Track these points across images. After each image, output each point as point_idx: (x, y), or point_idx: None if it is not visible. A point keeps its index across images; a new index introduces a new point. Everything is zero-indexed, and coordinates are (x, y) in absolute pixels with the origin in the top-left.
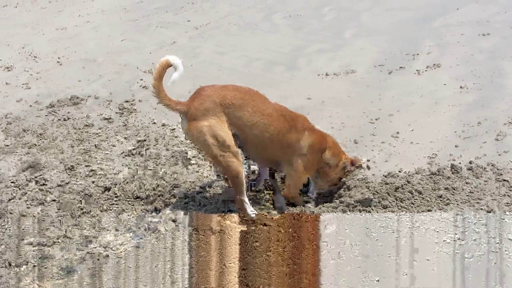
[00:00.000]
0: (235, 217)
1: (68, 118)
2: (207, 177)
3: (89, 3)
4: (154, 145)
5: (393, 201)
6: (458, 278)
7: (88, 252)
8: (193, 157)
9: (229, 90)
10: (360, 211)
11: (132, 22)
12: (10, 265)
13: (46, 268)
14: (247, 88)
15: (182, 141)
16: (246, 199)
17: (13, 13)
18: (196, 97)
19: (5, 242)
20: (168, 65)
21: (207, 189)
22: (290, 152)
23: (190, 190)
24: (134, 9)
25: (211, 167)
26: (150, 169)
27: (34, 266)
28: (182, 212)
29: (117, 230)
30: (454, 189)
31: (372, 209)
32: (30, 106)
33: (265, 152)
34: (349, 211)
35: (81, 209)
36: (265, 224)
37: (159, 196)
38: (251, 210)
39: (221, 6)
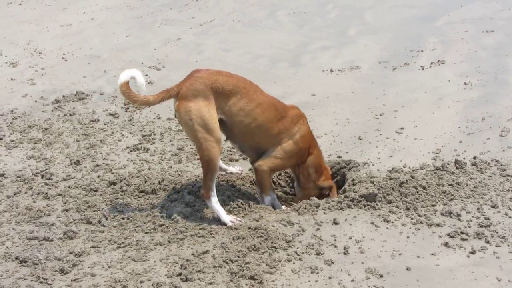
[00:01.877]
0: None
1: (74, 114)
2: None
3: (93, 0)
4: (160, 140)
5: (398, 196)
6: None
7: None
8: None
9: (222, 76)
10: (364, 205)
11: (136, 19)
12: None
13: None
14: (242, 77)
15: (187, 136)
16: (213, 187)
17: (18, 10)
18: (189, 78)
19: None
20: (126, 85)
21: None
22: (281, 138)
23: (195, 184)
24: (139, 6)
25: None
26: (155, 164)
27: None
28: (187, 207)
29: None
30: (458, 184)
31: (377, 204)
32: (36, 101)
33: (252, 140)
34: (354, 205)
35: (86, 203)
36: None
37: (164, 190)
38: (214, 201)
39: (225, 3)
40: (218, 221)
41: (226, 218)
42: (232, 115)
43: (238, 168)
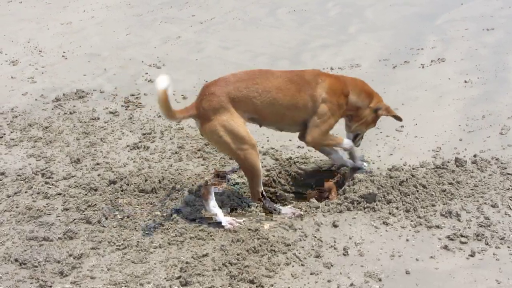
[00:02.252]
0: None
1: (74, 112)
2: (212, 162)
3: None
4: (160, 138)
5: (398, 196)
6: None
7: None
8: (199, 150)
9: (232, 83)
10: (364, 208)
11: (136, 17)
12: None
13: None
14: (250, 72)
15: (187, 134)
16: (262, 191)
17: (18, 8)
18: (202, 97)
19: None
20: (166, 93)
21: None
22: (311, 106)
23: (195, 183)
24: (139, 4)
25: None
26: (155, 162)
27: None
28: (187, 207)
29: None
30: (458, 183)
31: (377, 205)
32: (36, 100)
33: (288, 120)
34: (353, 208)
35: (86, 202)
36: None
37: (164, 189)
38: (267, 202)
39: (226, 1)
40: (218, 223)
41: (286, 210)
42: (260, 111)
43: None
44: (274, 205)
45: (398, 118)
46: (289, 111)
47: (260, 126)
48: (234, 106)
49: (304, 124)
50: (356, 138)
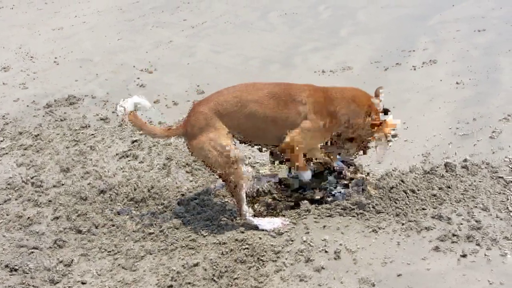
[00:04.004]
0: None
1: (65, 119)
2: (201, 177)
3: (85, 4)
4: (149, 147)
5: (387, 202)
6: None
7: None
8: (187, 164)
9: (216, 98)
10: (357, 214)
11: (128, 22)
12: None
13: None
14: (237, 87)
15: (176, 146)
16: (246, 207)
17: (9, 14)
18: (191, 115)
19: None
20: (133, 115)
21: (203, 190)
22: (294, 121)
23: (185, 193)
24: (130, 9)
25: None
26: (145, 171)
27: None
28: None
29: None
30: (448, 188)
31: (367, 211)
32: (27, 106)
33: (271, 135)
34: (346, 214)
35: (76, 211)
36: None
37: (153, 199)
38: (252, 218)
39: (217, 5)
40: (208, 234)
41: (271, 225)
42: (241, 124)
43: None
44: (259, 222)
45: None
46: (270, 125)
47: (246, 144)
48: (221, 120)
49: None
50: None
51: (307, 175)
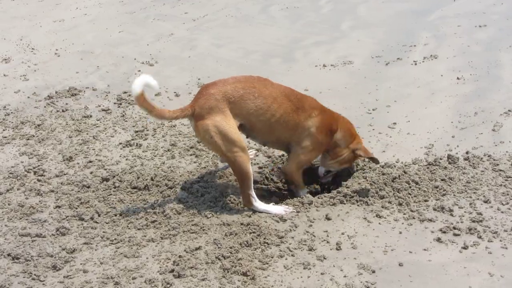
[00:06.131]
0: None
1: (66, 110)
2: (204, 167)
3: None
4: (153, 135)
5: (390, 192)
6: None
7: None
8: (191, 147)
9: (230, 84)
10: (357, 201)
11: (129, 15)
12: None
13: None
14: (248, 77)
15: (180, 132)
16: (253, 194)
17: (10, 6)
18: (199, 96)
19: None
20: (142, 96)
21: (205, 178)
22: (298, 133)
23: (188, 180)
24: (131, 1)
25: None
26: (148, 160)
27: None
28: (180, 203)
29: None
30: (451, 179)
31: (369, 200)
32: (28, 97)
33: (273, 135)
34: (346, 201)
35: (79, 199)
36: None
37: (156, 186)
38: (259, 204)
39: None
40: (210, 217)
41: (278, 210)
42: (250, 116)
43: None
44: (266, 207)
45: (375, 161)
46: (277, 125)
47: (247, 137)
48: (229, 107)
49: (287, 146)
50: (327, 174)
51: (303, 192)
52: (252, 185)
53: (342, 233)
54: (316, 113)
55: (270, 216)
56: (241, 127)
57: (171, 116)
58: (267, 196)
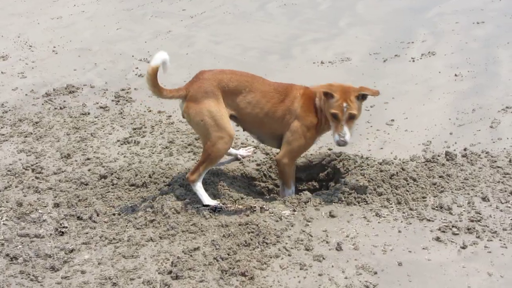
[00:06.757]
0: None
1: (64, 107)
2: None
3: None
4: (150, 133)
5: (388, 189)
6: None
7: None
8: (189, 145)
9: (226, 74)
10: (355, 198)
11: (127, 12)
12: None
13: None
14: (244, 72)
15: (178, 129)
16: (203, 175)
17: (8, 3)
18: (195, 80)
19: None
20: (157, 69)
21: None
22: (287, 119)
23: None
24: None
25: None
26: (146, 157)
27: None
28: (178, 201)
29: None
30: (448, 176)
31: (367, 196)
32: (26, 95)
33: (265, 128)
34: (344, 199)
35: (77, 196)
36: None
37: (154, 183)
38: (199, 187)
39: None
40: (209, 218)
41: (210, 202)
42: (241, 108)
43: (249, 149)
44: (202, 193)
45: (368, 91)
46: (267, 118)
47: (244, 130)
48: (222, 95)
49: (281, 140)
50: (344, 135)
51: (288, 193)
52: (208, 170)
53: (341, 232)
54: (300, 92)
55: (269, 215)
56: (233, 118)
57: (167, 95)
58: (265, 194)
